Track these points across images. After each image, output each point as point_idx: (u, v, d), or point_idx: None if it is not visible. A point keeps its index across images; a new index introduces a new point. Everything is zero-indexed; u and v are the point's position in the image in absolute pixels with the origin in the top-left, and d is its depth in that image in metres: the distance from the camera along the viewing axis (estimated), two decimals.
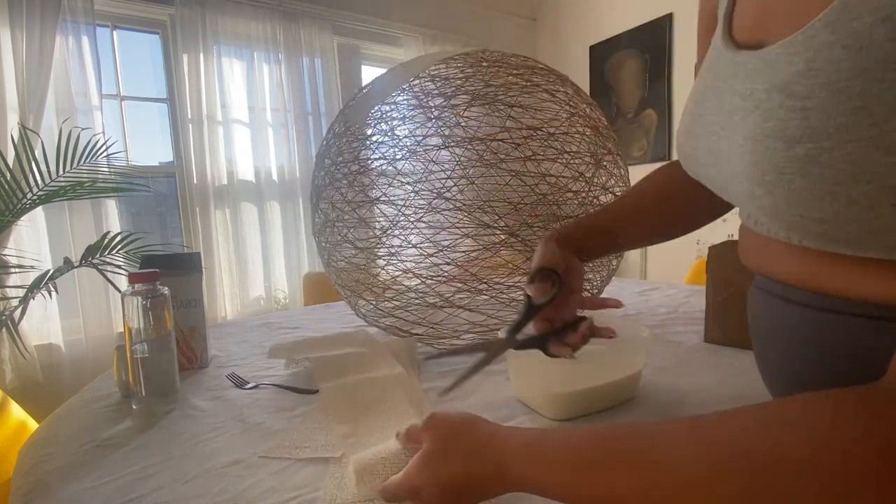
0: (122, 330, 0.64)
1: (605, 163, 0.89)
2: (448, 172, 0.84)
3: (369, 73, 2.75)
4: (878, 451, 0.20)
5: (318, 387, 0.67)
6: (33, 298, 1.59)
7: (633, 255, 2.93)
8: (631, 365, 0.60)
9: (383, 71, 0.97)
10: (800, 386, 0.34)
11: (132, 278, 0.63)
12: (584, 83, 3.05)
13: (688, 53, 2.50)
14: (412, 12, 2.76)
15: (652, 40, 2.66)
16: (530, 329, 0.54)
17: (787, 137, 0.27)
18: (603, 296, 0.74)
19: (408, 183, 0.85)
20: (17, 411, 1.14)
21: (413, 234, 0.84)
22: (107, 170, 1.84)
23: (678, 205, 0.59)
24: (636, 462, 0.26)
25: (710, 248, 0.82)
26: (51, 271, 1.59)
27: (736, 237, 0.47)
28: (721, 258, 0.81)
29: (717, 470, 0.23)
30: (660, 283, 1.46)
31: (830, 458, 0.21)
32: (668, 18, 2.56)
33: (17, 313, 1.58)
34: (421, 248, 0.83)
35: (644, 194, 0.61)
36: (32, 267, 1.66)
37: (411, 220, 0.82)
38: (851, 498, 0.20)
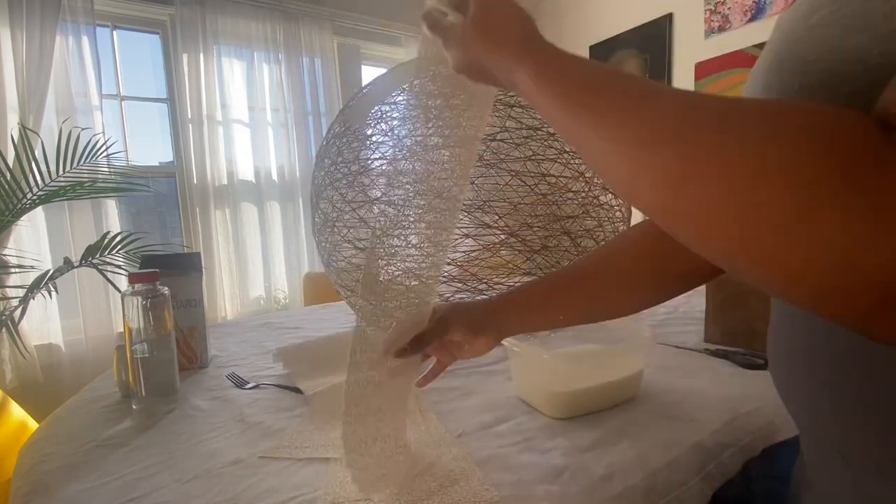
0: (122, 330, 0.64)
1: None
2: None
3: (369, 73, 2.75)
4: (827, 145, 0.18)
5: (303, 391, 0.66)
6: (33, 298, 1.58)
7: None
8: (632, 365, 0.60)
9: (383, 71, 0.97)
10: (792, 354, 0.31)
11: (132, 278, 0.63)
12: None
13: (688, 53, 2.50)
14: (412, 12, 2.76)
15: (652, 40, 2.66)
16: None
17: (811, 10, 0.25)
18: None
19: (407, 183, 0.84)
20: (17, 411, 1.14)
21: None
22: (107, 170, 1.84)
23: (627, 268, 0.47)
24: (629, 92, 0.24)
25: None
26: (51, 271, 1.59)
27: None
28: None
29: (691, 109, 0.22)
30: None
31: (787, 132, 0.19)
32: (668, 18, 2.56)
33: (17, 313, 1.58)
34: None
35: (595, 254, 0.50)
36: (32, 267, 1.65)
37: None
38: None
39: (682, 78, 2.54)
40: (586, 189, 0.86)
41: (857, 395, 0.26)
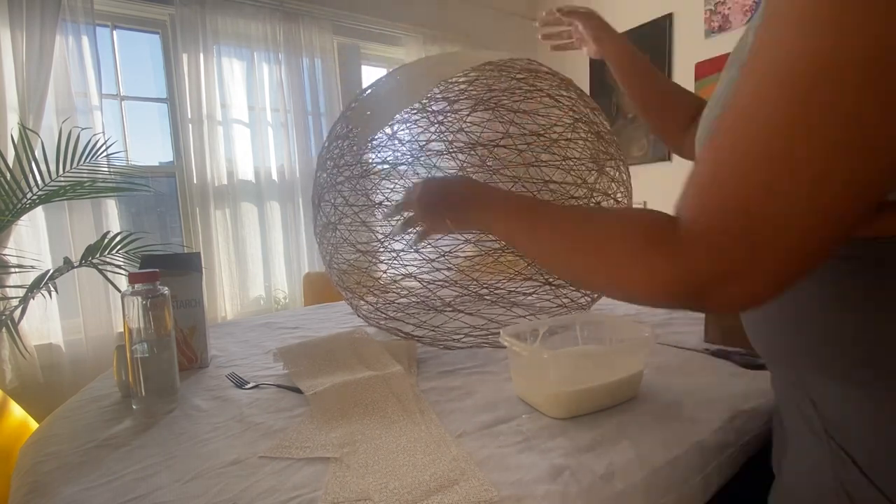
0: (122, 330, 0.64)
1: (607, 168, 0.88)
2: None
3: (369, 73, 2.74)
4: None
5: (304, 392, 0.66)
6: (33, 298, 1.58)
7: None
8: (632, 365, 0.60)
9: (383, 72, 0.97)
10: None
11: (132, 278, 0.63)
12: (584, 83, 3.05)
13: (687, 53, 2.50)
14: (412, 12, 2.76)
15: (652, 40, 2.66)
16: None
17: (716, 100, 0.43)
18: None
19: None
20: (17, 411, 1.14)
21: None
22: (107, 170, 1.84)
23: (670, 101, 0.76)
24: (534, 220, 0.42)
25: None
26: (51, 271, 1.59)
27: None
28: None
29: (559, 221, 0.40)
30: None
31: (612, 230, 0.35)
32: (668, 18, 2.56)
33: (17, 313, 1.58)
34: (423, 252, 0.83)
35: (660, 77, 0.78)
36: (32, 267, 1.65)
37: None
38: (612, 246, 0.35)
39: (682, 78, 2.54)
40: (588, 195, 0.86)
41: (797, 316, 0.38)
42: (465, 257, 0.85)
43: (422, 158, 0.84)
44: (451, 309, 0.85)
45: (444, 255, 0.83)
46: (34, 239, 1.79)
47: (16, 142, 1.61)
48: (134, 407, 0.64)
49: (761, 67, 0.26)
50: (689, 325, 0.94)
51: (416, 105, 0.85)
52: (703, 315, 0.85)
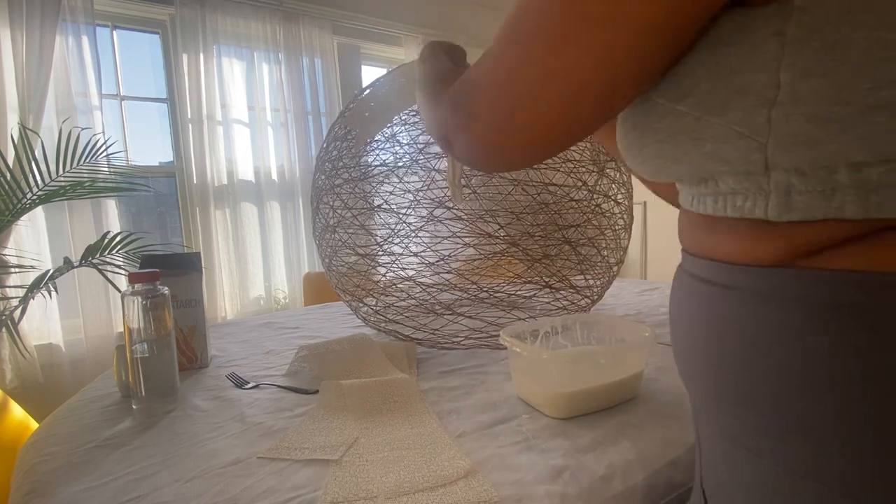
0: (122, 330, 0.64)
1: (607, 170, 0.88)
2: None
3: (369, 73, 2.74)
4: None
5: (320, 386, 0.67)
6: (33, 298, 1.58)
7: (633, 255, 2.93)
8: (632, 365, 0.60)
9: (383, 72, 0.97)
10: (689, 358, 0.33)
11: (132, 278, 0.63)
12: None
13: None
14: (412, 12, 2.76)
15: None
16: None
17: None
18: (606, 296, 0.74)
19: (409, 192, 0.84)
20: (17, 411, 1.14)
21: (414, 242, 0.83)
22: (107, 170, 1.84)
23: None
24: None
25: None
26: (51, 271, 1.59)
27: None
28: None
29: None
30: (660, 283, 1.46)
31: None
32: None
33: (17, 313, 1.58)
34: (422, 256, 0.83)
35: None
36: (32, 267, 1.65)
37: (412, 228, 0.81)
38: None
39: None
40: (589, 197, 0.86)
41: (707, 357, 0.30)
42: (464, 261, 0.85)
43: (420, 160, 0.85)
44: (450, 312, 0.85)
45: (443, 259, 0.83)
46: (34, 239, 1.79)
47: (16, 142, 1.61)
48: (134, 407, 0.64)
49: None
50: None
51: (416, 105, 0.85)
52: None
